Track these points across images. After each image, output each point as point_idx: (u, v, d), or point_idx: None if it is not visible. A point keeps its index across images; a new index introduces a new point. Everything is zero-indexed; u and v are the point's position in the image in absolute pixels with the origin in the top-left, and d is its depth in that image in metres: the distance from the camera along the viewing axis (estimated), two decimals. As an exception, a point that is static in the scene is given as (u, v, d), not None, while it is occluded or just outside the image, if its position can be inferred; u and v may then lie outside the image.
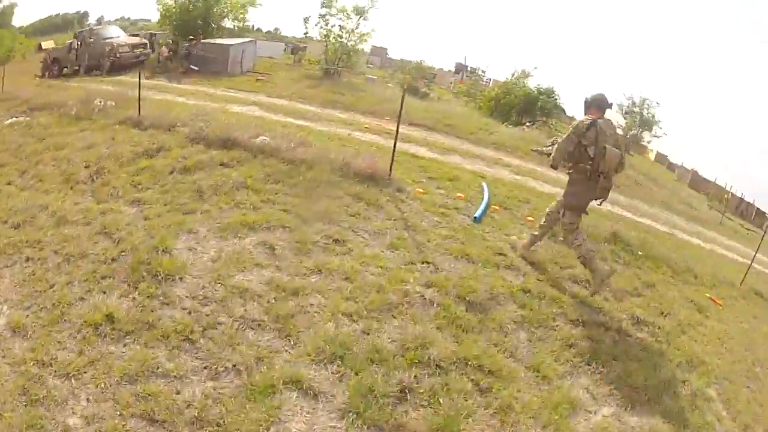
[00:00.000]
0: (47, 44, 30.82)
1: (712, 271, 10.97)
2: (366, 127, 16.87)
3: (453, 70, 48.63)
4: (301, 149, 10.27)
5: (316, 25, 30.37)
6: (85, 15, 54.34)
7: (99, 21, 49.89)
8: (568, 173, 7.42)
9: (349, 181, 9.29)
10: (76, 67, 26.20)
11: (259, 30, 52.36)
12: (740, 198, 36.85)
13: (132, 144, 10.29)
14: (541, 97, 30.19)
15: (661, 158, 43.14)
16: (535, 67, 43.37)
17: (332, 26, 29.96)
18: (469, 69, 44.03)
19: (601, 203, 7.47)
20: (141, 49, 27.45)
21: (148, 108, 12.77)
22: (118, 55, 25.76)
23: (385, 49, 48.74)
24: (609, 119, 7.32)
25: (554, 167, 7.57)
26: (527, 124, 27.30)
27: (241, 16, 35.07)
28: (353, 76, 31.22)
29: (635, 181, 22.81)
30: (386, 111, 20.23)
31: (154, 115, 12.03)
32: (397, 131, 10.19)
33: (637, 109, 33.06)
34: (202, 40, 27.87)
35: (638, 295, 7.95)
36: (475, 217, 9.12)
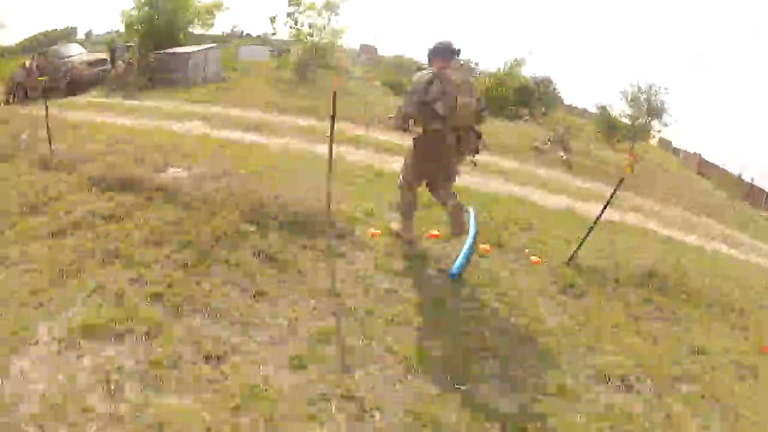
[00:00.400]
0: (28, 62, 27.46)
1: (759, 297, 8.08)
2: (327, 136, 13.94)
3: (446, 64, 46.12)
4: (218, 182, 7.79)
5: (285, 24, 28.16)
6: (74, 31, 51.07)
7: (72, 33, 46.93)
8: (415, 139, 6.38)
9: (266, 229, 6.63)
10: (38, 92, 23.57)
11: (248, 35, 49.51)
12: (750, 184, 33.52)
13: (20, 193, 7.50)
14: (537, 88, 27.34)
15: (664, 144, 40.82)
16: (530, 52, 39.49)
17: (301, 24, 27.78)
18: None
19: (473, 162, 6.84)
20: (101, 66, 25.39)
21: (71, 138, 10.66)
22: (75, 75, 23.86)
23: (375, 47, 45.71)
24: (461, 68, 6.85)
25: (404, 130, 6.38)
26: (525, 118, 24.57)
27: (209, 21, 32.67)
28: (331, 77, 28.50)
29: (648, 171, 19.79)
30: (374, 112, 17.66)
31: (67, 149, 9.50)
32: (331, 145, 7.32)
33: (643, 97, 29.74)
34: (158, 51, 25.73)
35: (689, 379, 5.15)
36: (452, 274, 6.31)
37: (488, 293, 6.09)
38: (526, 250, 7.40)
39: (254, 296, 5.34)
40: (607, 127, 29.24)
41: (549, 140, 18.01)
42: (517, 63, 29.34)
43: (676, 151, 39.60)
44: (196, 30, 31.89)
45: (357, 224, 7.27)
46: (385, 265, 6.28)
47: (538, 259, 7.18)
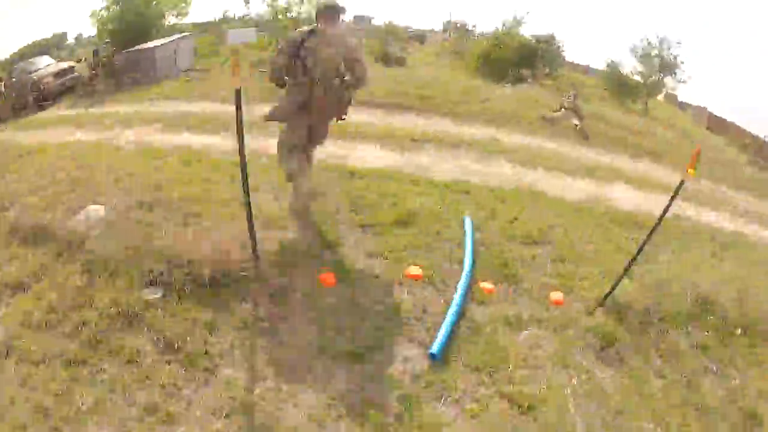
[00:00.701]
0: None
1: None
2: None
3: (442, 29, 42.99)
4: (137, 221, 5.97)
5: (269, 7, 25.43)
6: (63, 36, 48.78)
7: (62, 39, 44.92)
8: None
9: (176, 294, 4.79)
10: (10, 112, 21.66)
11: (241, 18, 47.25)
12: (764, 140, 30.92)
13: None
14: (540, 46, 24.97)
15: (670, 98, 37.63)
16: (527, 12, 36.67)
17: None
18: (452, 24, 38.10)
19: (337, 120, 6.21)
20: (68, 75, 23.06)
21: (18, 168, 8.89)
22: (41, 88, 21.70)
23: (370, 17, 43.01)
24: (345, 27, 5.47)
25: (279, 85, 6.10)
26: (528, 80, 22.30)
27: (183, 10, 29.82)
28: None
29: (667, 141, 17.41)
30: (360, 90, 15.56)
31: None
32: (243, 160, 4.93)
33: (655, 52, 27.11)
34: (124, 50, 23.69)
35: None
36: (432, 354, 4.39)
37: (487, 383, 4.26)
38: (549, 294, 5.47)
39: (145, 412, 3.72)
40: (618, 85, 26.54)
41: (561, 107, 15.77)
42: (516, 22, 26.88)
43: (682, 106, 36.69)
44: (174, 21, 29.46)
45: (294, 271, 5.33)
46: (332, 346, 4.38)
47: (560, 297, 5.32)
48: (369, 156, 9.75)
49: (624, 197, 9.54)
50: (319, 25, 5.95)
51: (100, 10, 26.40)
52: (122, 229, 5.61)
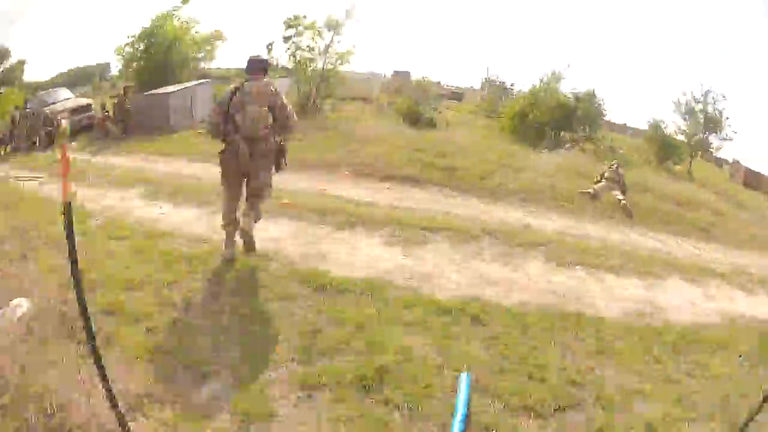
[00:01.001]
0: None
1: None
2: (285, 203, 9.86)
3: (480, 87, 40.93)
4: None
5: (286, 51, 24.09)
6: (107, 67, 48.10)
7: (106, 69, 44.32)
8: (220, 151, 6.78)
9: None
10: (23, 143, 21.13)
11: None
12: None
13: None
14: (579, 105, 23.04)
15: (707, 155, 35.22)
16: (568, 65, 34.54)
17: (300, 48, 23.84)
18: (491, 81, 35.85)
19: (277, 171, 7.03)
20: (84, 113, 22.25)
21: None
22: (54, 123, 20.34)
23: (408, 72, 41.45)
24: (268, 82, 6.80)
25: (221, 139, 6.68)
26: (566, 145, 20.38)
27: (208, 52, 29.22)
28: (341, 108, 25.11)
29: (716, 211, 15.13)
30: (370, 158, 14.56)
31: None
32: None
33: (699, 106, 24.66)
34: (138, 92, 22.82)
35: None
36: None
37: None
38: None
39: None
40: (661, 146, 24.11)
41: (602, 177, 13.89)
42: (554, 77, 25.03)
43: (718, 161, 34.12)
44: (204, 65, 29.10)
45: None
46: None
47: None
48: (358, 255, 7.92)
49: (682, 302, 7.70)
50: (245, 81, 6.63)
51: (125, 46, 25.64)
52: None
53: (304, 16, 23.68)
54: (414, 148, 15.53)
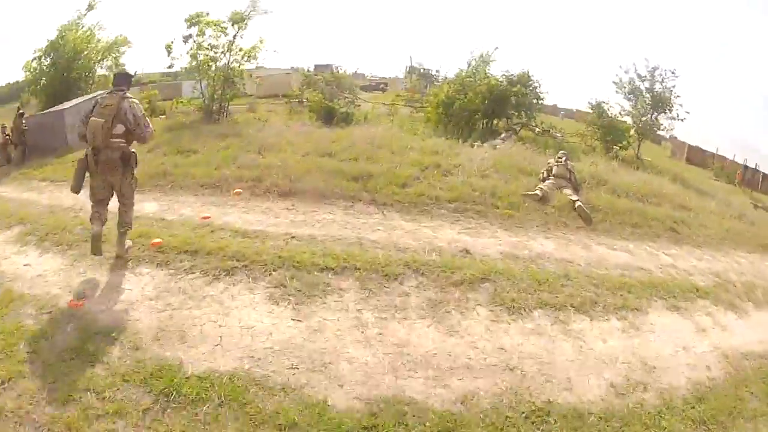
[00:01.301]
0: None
1: None
2: (155, 243, 7.85)
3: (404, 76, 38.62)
4: None
5: (188, 52, 20.93)
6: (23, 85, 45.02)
7: None
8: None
9: None
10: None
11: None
12: (745, 166, 30.68)
13: None
14: (514, 89, 20.63)
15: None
16: (496, 48, 31.70)
17: (201, 47, 20.77)
18: (414, 69, 33.13)
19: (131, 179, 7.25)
20: None
21: None
22: None
23: (329, 65, 38.76)
24: (122, 96, 6.98)
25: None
26: (501, 136, 17.99)
27: (115, 60, 26.29)
28: (255, 108, 23.39)
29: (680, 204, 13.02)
30: (269, 170, 11.97)
31: None
32: None
33: (645, 85, 22.58)
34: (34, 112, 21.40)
35: None
36: None
37: None
38: None
39: None
40: (608, 130, 21.77)
41: (548, 174, 11.66)
42: (483, 60, 22.60)
43: (656, 139, 32.42)
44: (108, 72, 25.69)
45: None
46: None
47: None
48: (231, 324, 5.90)
49: (673, 349, 6.32)
50: (106, 94, 7.14)
51: (31, 61, 24.15)
52: None
53: (207, 13, 20.94)
54: (322, 153, 13.07)
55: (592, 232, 9.83)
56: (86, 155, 6.97)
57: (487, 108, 20.08)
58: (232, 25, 20.62)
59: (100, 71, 25.52)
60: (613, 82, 22.72)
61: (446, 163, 12.18)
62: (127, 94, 7.09)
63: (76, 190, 7.27)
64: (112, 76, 7.82)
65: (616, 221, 10.45)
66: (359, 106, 23.17)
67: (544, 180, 11.66)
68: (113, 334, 5.48)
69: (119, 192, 7.24)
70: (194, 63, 20.88)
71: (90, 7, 24.34)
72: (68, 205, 10.77)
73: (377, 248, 7.80)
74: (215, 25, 20.53)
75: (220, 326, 5.74)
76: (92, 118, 6.80)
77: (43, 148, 17.91)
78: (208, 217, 9.25)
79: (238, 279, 6.78)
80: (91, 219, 7.18)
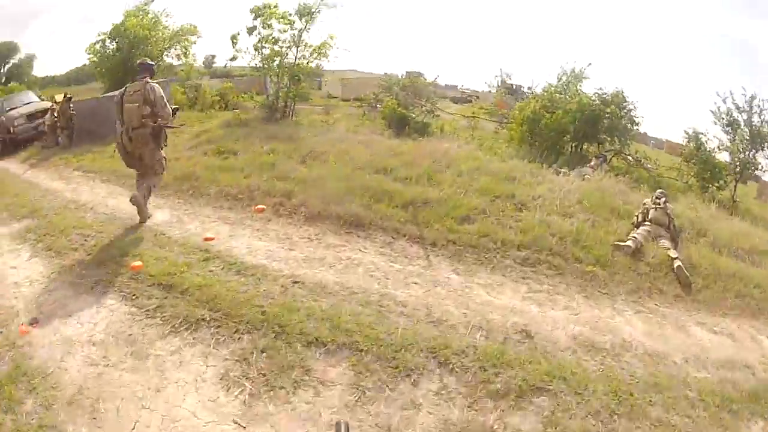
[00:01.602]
0: (59, 97, 22.85)
1: None
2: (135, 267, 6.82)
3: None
4: None
5: (254, 46, 19.13)
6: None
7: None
8: None
9: None
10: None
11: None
12: None
13: None
14: (607, 110, 17.79)
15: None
16: (589, 64, 26.78)
17: (266, 40, 18.91)
18: (502, 83, 30.15)
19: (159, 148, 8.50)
20: (40, 119, 20.07)
21: None
22: (11, 131, 19.71)
23: (420, 73, 36.56)
24: (146, 82, 8.19)
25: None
26: (592, 161, 15.35)
27: (185, 49, 25.38)
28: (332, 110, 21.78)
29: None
30: (304, 185, 10.23)
31: None
32: None
33: (744, 117, 18.23)
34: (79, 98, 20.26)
35: None
36: None
37: None
38: None
39: None
40: (704, 167, 17.65)
41: (644, 217, 9.28)
42: (575, 76, 19.83)
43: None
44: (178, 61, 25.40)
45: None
46: None
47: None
48: (165, 415, 4.38)
49: None
50: (131, 82, 8.45)
51: (95, 44, 23.77)
52: None
53: (275, 5, 19.10)
54: (376, 167, 11.02)
55: (691, 303, 7.32)
56: (120, 136, 8.36)
57: (577, 129, 17.42)
58: (300, 18, 18.78)
59: (168, 59, 25.00)
60: (711, 111, 18.76)
61: (523, 194, 9.89)
62: (149, 80, 8.28)
63: (128, 165, 8.80)
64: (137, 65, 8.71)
65: (719, 288, 7.76)
66: (438, 116, 20.81)
67: (637, 225, 9.25)
68: (35, 381, 4.66)
69: (148, 163, 8.51)
70: (258, 57, 19.18)
71: None
72: (84, 201, 10.28)
73: (401, 315, 5.68)
74: (281, 18, 18.78)
75: (142, 407, 4.35)
76: (125, 105, 8.20)
77: (93, 134, 17.38)
78: (212, 239, 7.83)
79: (199, 338, 5.21)
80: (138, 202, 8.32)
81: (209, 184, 10.45)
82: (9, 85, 39.28)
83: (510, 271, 7.34)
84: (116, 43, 23.35)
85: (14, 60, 50.80)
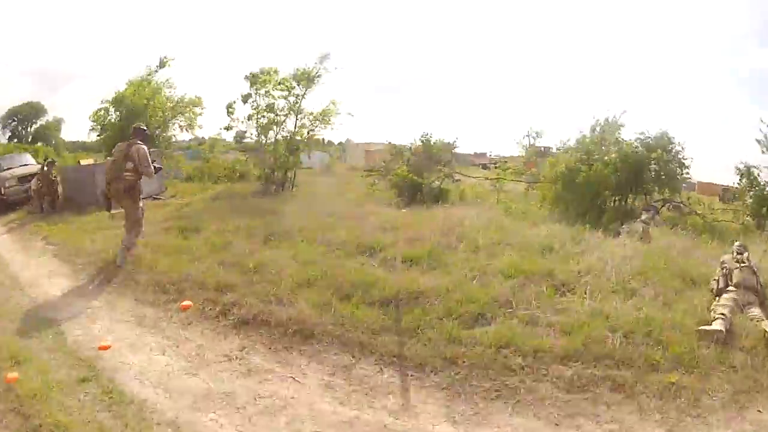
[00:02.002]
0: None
1: None
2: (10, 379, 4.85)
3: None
4: None
5: (249, 117, 17.15)
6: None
7: None
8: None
9: None
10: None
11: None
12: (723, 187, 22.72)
13: None
14: (653, 155, 14.57)
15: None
16: (624, 111, 22.75)
17: (260, 111, 16.96)
18: (531, 145, 27.21)
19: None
20: (30, 182, 18.54)
21: None
22: (1, 192, 18.45)
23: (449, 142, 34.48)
24: (132, 143, 8.82)
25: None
26: (642, 217, 11.93)
27: (192, 119, 22.86)
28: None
29: None
30: (252, 275, 7.56)
31: None
32: None
33: None
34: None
35: None
36: None
37: None
38: None
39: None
40: (759, 201, 14.34)
41: (727, 279, 6.23)
42: (610, 125, 16.49)
43: None
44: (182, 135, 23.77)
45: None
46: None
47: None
48: None
49: None
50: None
51: (99, 111, 21.81)
52: None
53: (275, 71, 17.06)
54: (362, 247, 8.22)
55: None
56: (106, 186, 9.07)
57: (620, 181, 14.18)
58: (298, 84, 16.57)
59: (173, 131, 23.06)
60: (757, 141, 15.44)
61: (564, 270, 6.89)
62: (137, 141, 8.87)
63: (108, 210, 9.65)
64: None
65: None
66: (458, 180, 17.81)
67: (718, 293, 6.36)
68: None
69: (126, 215, 9.02)
70: (253, 126, 17.18)
71: (162, 64, 21.69)
72: (23, 279, 8.78)
73: None
74: (279, 84, 16.67)
75: None
76: (109, 159, 9.59)
77: (77, 203, 16.32)
78: (108, 347, 5.85)
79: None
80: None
81: (148, 270, 8.14)
82: (35, 145, 39.62)
83: (549, 408, 4.28)
84: (120, 111, 21.54)
85: (41, 121, 51.15)
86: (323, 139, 19.92)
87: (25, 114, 51.33)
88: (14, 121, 51.85)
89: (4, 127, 51.61)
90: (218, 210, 12.55)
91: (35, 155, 25.97)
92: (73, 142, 47.05)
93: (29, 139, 48.55)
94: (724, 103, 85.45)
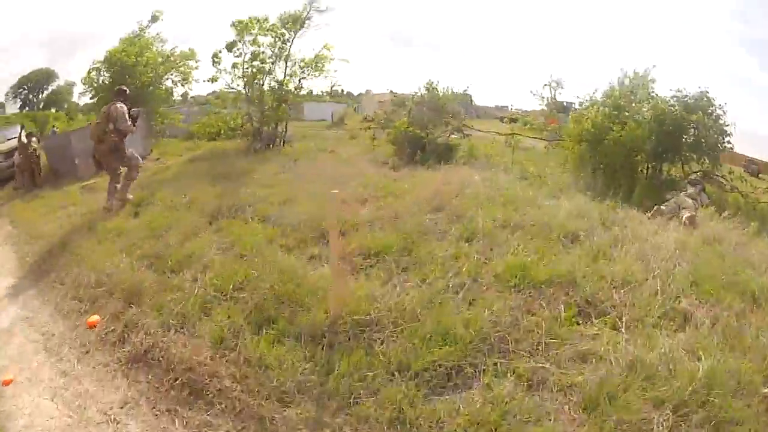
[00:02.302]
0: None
1: None
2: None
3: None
4: None
5: (233, 67, 15.25)
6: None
7: None
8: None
9: None
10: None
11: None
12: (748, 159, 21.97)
13: None
14: (692, 118, 12.01)
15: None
16: (654, 65, 19.50)
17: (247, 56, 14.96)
18: (552, 98, 24.64)
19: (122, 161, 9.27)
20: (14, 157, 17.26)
21: None
22: None
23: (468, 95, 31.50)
24: (114, 103, 9.04)
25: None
26: (688, 188, 9.64)
27: (186, 73, 21.33)
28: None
29: None
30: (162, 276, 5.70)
31: None
32: None
33: None
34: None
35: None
36: None
37: None
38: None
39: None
40: None
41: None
42: (642, 78, 13.93)
43: None
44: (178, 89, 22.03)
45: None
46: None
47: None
48: None
49: None
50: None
51: (90, 72, 20.35)
52: None
53: (265, 19, 15.12)
54: (319, 232, 6.14)
55: None
56: (94, 148, 9.45)
57: (655, 145, 11.86)
58: (286, 28, 14.79)
59: (168, 86, 21.57)
60: None
61: (590, 277, 4.80)
62: (117, 102, 9.11)
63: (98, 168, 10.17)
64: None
65: None
66: (469, 135, 15.43)
67: None
68: None
69: (110, 170, 9.34)
70: (241, 76, 15.14)
71: (154, 19, 20.33)
72: None
73: None
74: (269, 30, 14.79)
75: None
76: (94, 122, 9.65)
77: (59, 175, 15.23)
78: (10, 382, 4.58)
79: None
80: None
81: (76, 263, 6.62)
82: (47, 111, 39.35)
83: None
84: (111, 72, 20.04)
85: (53, 87, 49.90)
86: (341, 90, 17.84)
87: (36, 81, 50.25)
88: (25, 89, 50.58)
89: (15, 97, 50.48)
90: (190, 175, 10.87)
91: (45, 121, 24.67)
92: (85, 104, 47.21)
93: (40, 106, 47.32)
94: (734, 69, 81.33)
